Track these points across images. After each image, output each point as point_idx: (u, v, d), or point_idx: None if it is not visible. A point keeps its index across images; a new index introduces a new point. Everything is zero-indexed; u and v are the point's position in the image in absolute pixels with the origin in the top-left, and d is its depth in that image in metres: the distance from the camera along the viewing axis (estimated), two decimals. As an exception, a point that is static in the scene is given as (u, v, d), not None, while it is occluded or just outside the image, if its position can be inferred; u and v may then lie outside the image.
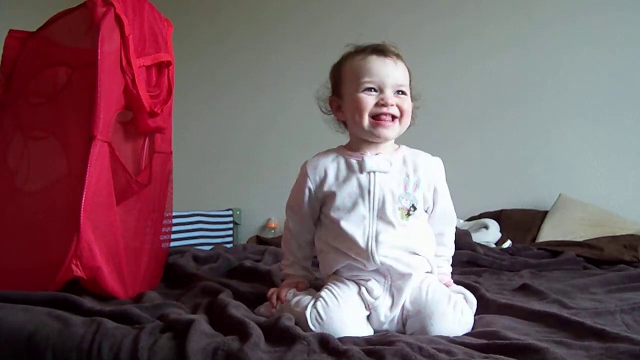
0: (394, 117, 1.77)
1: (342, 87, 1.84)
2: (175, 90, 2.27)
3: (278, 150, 5.00)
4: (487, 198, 4.21)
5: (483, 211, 4.19)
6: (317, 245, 1.89)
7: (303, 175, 1.88)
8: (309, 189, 1.86)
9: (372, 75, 1.74)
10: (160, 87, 2.19)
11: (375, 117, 1.76)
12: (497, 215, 4.09)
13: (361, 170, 1.78)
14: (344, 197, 1.78)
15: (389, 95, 1.74)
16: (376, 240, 1.72)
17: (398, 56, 1.80)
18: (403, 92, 1.77)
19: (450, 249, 1.96)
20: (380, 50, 1.78)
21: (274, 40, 5.08)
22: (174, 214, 2.46)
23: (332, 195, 1.80)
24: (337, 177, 1.81)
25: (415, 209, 1.78)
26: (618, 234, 3.40)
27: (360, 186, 1.77)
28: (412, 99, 1.83)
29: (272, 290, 1.89)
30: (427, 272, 1.81)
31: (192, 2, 5.34)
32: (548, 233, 3.79)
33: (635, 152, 4.01)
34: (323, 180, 1.83)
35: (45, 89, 2.12)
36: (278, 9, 5.10)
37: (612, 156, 4.07)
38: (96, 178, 1.81)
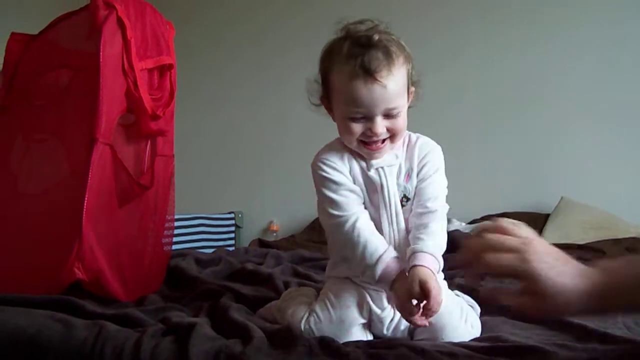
0: (384, 139, 1.65)
1: (331, 96, 1.70)
2: (177, 93, 2.27)
3: (280, 153, 5.00)
4: (489, 201, 4.21)
5: (485, 214, 4.19)
6: (329, 246, 1.82)
7: (330, 168, 1.70)
8: (346, 175, 1.69)
9: (358, 106, 1.58)
10: (162, 90, 2.19)
11: (365, 142, 1.64)
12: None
13: (369, 168, 1.68)
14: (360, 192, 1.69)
15: (378, 124, 1.59)
16: (394, 237, 1.65)
17: (391, 65, 1.59)
18: (394, 114, 1.61)
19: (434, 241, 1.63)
20: (369, 72, 1.56)
21: (275, 44, 5.08)
22: (175, 216, 2.46)
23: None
24: (357, 173, 1.70)
25: (407, 199, 1.69)
26: (620, 237, 3.40)
27: (372, 183, 1.67)
28: (412, 84, 1.69)
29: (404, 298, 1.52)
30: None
31: (195, 5, 5.34)
32: (550, 236, 3.78)
33: (637, 155, 4.02)
34: (349, 170, 1.69)
35: (48, 92, 2.11)
36: (281, 12, 5.11)
37: (614, 159, 4.08)
38: (98, 181, 1.81)
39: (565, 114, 4.24)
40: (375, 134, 1.61)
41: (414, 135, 1.77)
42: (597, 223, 3.74)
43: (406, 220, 1.69)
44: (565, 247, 3.13)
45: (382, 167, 1.68)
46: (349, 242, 1.62)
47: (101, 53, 1.86)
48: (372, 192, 1.69)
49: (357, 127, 1.62)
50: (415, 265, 1.52)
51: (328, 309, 1.64)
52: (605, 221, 3.76)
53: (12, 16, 4.15)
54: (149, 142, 2.27)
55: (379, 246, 1.59)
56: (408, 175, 1.70)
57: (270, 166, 5.04)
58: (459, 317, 1.64)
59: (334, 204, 1.67)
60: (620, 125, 4.09)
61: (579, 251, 3.11)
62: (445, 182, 1.73)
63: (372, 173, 1.68)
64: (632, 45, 4.10)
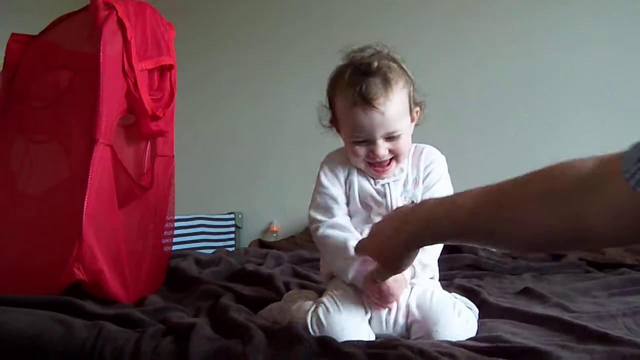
0: (389, 160, 1.73)
1: (338, 120, 1.80)
2: (177, 94, 2.27)
3: (280, 154, 4.99)
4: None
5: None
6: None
7: (329, 170, 1.82)
8: (340, 181, 1.81)
9: (360, 131, 1.68)
10: (162, 91, 2.19)
11: (371, 163, 1.74)
12: (498, 219, 4.07)
13: (375, 182, 1.78)
14: (360, 204, 1.78)
15: (380, 147, 1.68)
16: None
17: (389, 92, 1.66)
18: (395, 136, 1.70)
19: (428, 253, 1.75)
20: (367, 99, 1.64)
21: (275, 45, 5.07)
22: (175, 217, 2.46)
23: (351, 198, 1.80)
24: (355, 180, 1.79)
25: None
26: (620, 237, 3.39)
27: (378, 195, 1.76)
28: (415, 104, 1.77)
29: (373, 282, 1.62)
30: (430, 278, 1.82)
31: (196, 6, 5.33)
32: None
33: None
34: (346, 177, 1.81)
35: (47, 93, 2.11)
36: (281, 13, 5.10)
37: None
38: (98, 181, 1.81)
39: (565, 112, 4.22)
40: (378, 156, 1.70)
41: (419, 145, 1.85)
42: (596, 223, 3.73)
43: None
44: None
45: (388, 183, 1.78)
46: (323, 245, 1.78)
47: (101, 54, 1.86)
48: (375, 202, 1.77)
49: (361, 150, 1.72)
50: None
51: (336, 301, 1.66)
52: (605, 221, 3.75)
53: (12, 17, 4.14)
54: (149, 142, 2.27)
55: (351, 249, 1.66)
56: (415, 182, 1.79)
57: (271, 167, 5.03)
58: (451, 310, 1.66)
59: (317, 207, 1.82)
60: (620, 123, 4.07)
61: (579, 251, 3.10)
62: (450, 190, 1.80)
63: (378, 187, 1.77)
64: (632, 43, 4.10)
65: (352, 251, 1.64)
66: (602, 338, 1.48)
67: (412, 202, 1.74)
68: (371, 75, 1.67)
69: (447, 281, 2.28)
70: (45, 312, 1.56)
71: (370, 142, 1.69)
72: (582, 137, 4.15)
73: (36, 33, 2.18)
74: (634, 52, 4.08)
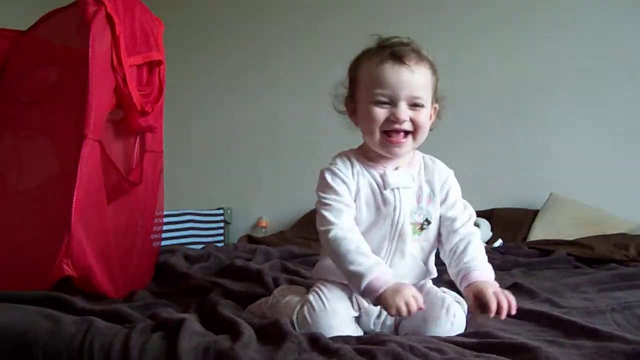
0: (407, 133, 1.68)
1: (357, 90, 1.75)
2: (166, 89, 2.26)
3: (270, 149, 4.99)
4: (478, 197, 4.18)
5: (474, 210, 4.18)
6: (322, 252, 1.83)
7: (338, 177, 1.73)
8: (347, 183, 1.72)
9: (384, 87, 1.64)
10: (151, 86, 2.19)
11: (387, 133, 1.68)
12: (488, 215, 4.09)
13: (385, 187, 1.71)
14: (367, 210, 1.72)
15: (402, 110, 1.64)
16: (391, 262, 1.71)
17: (419, 60, 1.69)
18: (419, 105, 1.67)
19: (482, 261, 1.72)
20: (397, 56, 1.65)
21: (267, 41, 5.06)
22: (164, 213, 2.46)
23: (357, 203, 1.72)
24: (361, 187, 1.73)
25: (429, 223, 1.73)
26: (609, 233, 3.41)
27: (386, 203, 1.70)
28: (436, 100, 1.77)
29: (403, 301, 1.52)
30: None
31: (187, 2, 5.33)
32: (539, 232, 3.79)
33: (626, 151, 4.02)
34: (352, 180, 1.73)
35: (36, 88, 2.11)
36: (274, 10, 5.09)
37: (603, 156, 4.08)
38: (87, 177, 1.81)
39: (554, 111, 4.24)
40: (398, 120, 1.65)
41: (427, 157, 1.84)
42: (585, 219, 3.75)
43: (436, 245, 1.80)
44: (555, 243, 3.15)
45: (397, 189, 1.72)
46: (336, 248, 1.64)
47: (90, 49, 1.85)
48: (381, 210, 1.72)
49: (381, 113, 1.67)
50: (470, 284, 1.64)
51: (322, 300, 1.63)
52: (594, 217, 3.77)
53: (0, 12, 4.13)
54: (138, 138, 2.26)
55: (366, 260, 1.61)
56: (430, 198, 1.75)
57: (260, 162, 5.03)
58: (439, 308, 1.64)
59: (331, 209, 1.70)
60: (609, 122, 4.10)
61: (568, 247, 3.12)
62: (465, 205, 1.83)
63: (387, 192, 1.71)
64: (631, 43, 4.11)
65: (369, 259, 1.60)
66: (591, 333, 1.49)
67: (426, 220, 1.73)
68: (403, 45, 1.71)
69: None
70: (33, 307, 1.55)
71: (392, 104, 1.66)
72: (581, 137, 4.17)
73: (25, 28, 2.17)
74: (632, 51, 4.09)
